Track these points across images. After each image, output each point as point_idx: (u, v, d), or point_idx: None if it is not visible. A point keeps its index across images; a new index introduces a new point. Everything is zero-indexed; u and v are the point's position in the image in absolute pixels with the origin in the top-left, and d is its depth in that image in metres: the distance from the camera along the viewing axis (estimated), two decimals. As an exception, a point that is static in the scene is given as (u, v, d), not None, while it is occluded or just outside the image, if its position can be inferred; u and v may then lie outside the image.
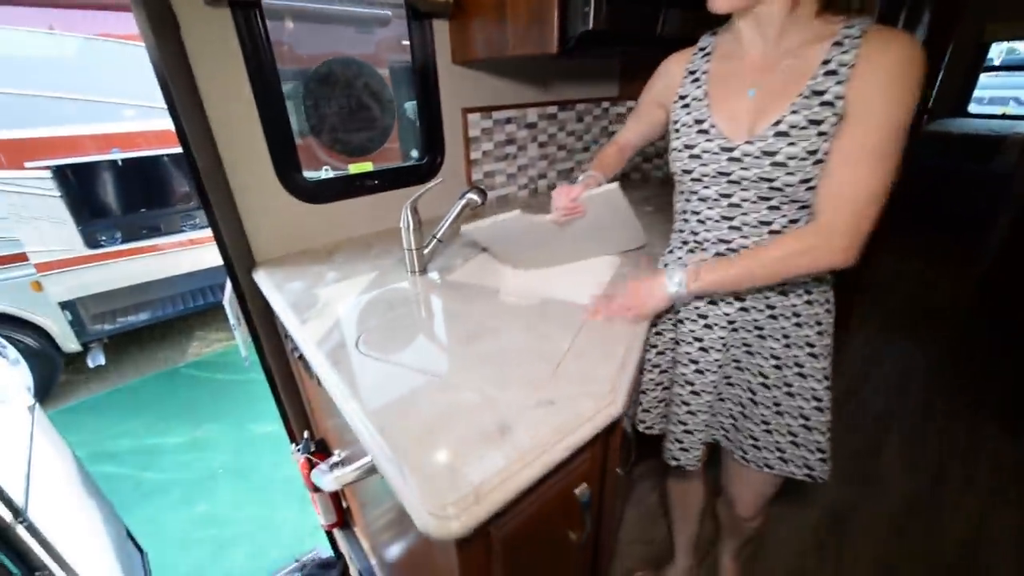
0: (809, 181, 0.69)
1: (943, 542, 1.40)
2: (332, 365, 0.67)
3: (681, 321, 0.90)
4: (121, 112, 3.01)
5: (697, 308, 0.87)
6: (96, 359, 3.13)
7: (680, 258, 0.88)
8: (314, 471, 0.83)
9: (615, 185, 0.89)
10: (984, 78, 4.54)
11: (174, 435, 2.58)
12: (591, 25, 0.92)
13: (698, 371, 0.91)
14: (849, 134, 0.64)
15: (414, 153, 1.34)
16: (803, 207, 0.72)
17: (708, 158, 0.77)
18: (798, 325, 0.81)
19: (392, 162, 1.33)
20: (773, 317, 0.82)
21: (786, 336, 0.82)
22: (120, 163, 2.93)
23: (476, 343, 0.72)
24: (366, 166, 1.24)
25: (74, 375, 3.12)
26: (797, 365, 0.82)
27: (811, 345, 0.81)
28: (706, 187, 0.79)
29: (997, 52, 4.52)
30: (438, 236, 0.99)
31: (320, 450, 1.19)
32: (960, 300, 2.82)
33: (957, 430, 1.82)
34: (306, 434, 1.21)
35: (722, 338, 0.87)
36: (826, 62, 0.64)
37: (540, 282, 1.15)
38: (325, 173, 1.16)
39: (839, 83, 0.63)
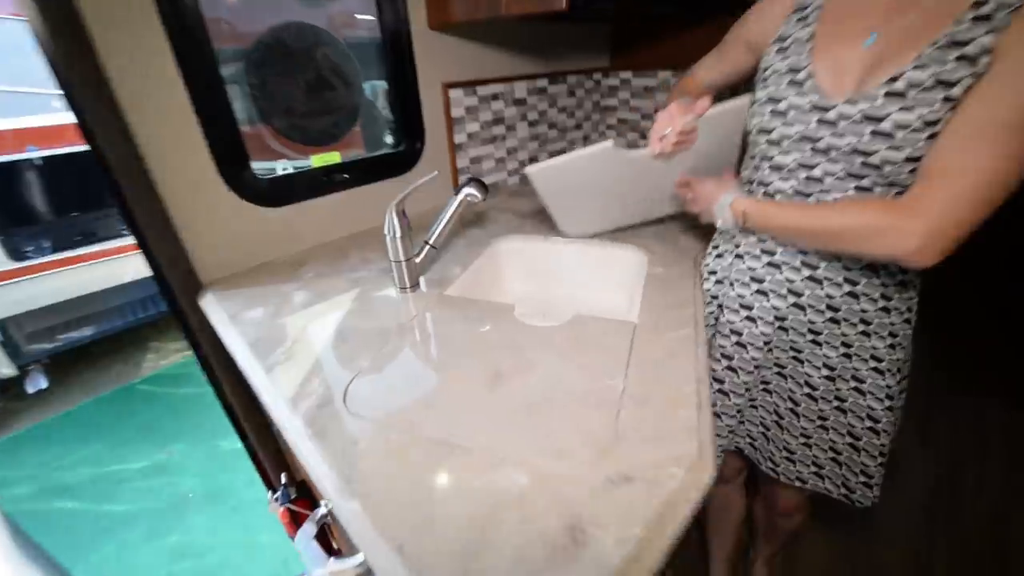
0: (917, 160, 0.53)
1: (971, 528, 1.35)
2: (314, 437, 0.50)
3: (722, 307, 0.78)
4: (49, 103, 2.64)
5: (741, 298, 0.76)
6: (36, 383, 2.81)
7: (736, 243, 0.75)
8: (299, 534, 0.67)
9: (745, 98, 0.71)
10: None
11: (135, 460, 2.33)
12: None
13: (730, 368, 0.78)
14: (983, 96, 0.48)
15: (388, 139, 1.13)
16: (901, 193, 0.57)
17: (794, 117, 0.62)
18: (865, 334, 0.68)
19: (362, 149, 1.12)
20: (835, 321, 0.68)
21: (847, 345, 0.69)
22: (40, 162, 2.56)
23: (503, 386, 0.56)
24: (332, 157, 1.02)
25: (13, 402, 2.79)
26: (855, 379, 0.70)
27: (877, 359, 0.68)
28: (785, 153, 0.64)
29: None
30: (431, 242, 0.81)
31: (302, 495, 1.01)
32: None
33: (969, 404, 1.79)
34: (283, 477, 1.03)
35: (765, 334, 0.74)
36: (978, 3, 0.48)
37: (556, 289, 0.99)
38: (282, 169, 0.95)
39: (990, 32, 0.47)
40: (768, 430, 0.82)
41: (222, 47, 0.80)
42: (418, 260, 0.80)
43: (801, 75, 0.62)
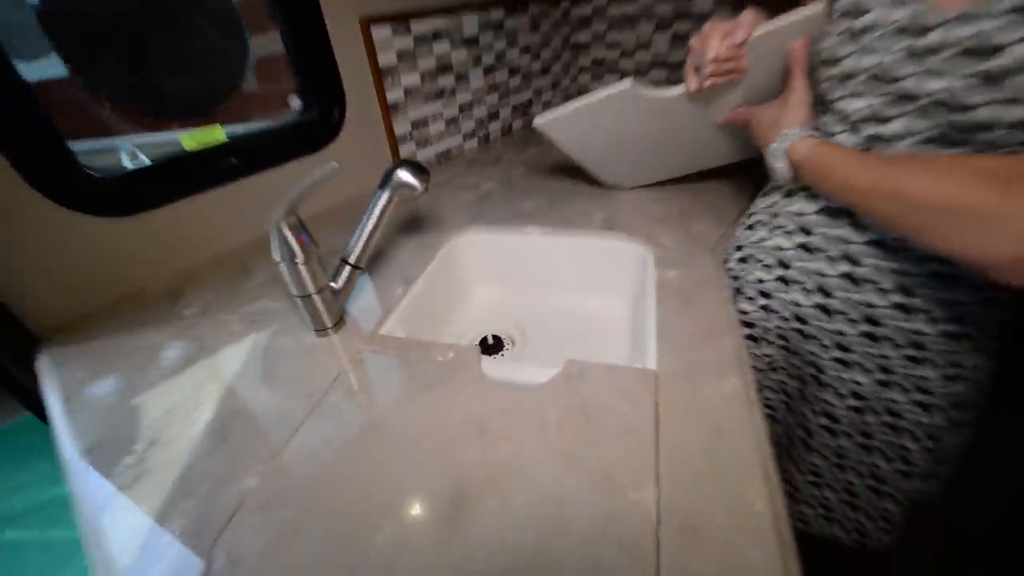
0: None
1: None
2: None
3: (739, 292, 0.63)
4: None
5: (761, 283, 0.60)
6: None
7: (774, 212, 0.57)
8: None
9: (816, 6, 0.49)
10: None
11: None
12: None
13: None
14: None
15: (294, 103, 0.83)
16: None
17: (873, 42, 0.42)
18: (913, 360, 0.50)
19: (258, 115, 0.82)
20: (872, 338, 0.51)
21: (885, 371, 0.52)
22: None
23: (467, 517, 0.35)
24: (212, 134, 0.74)
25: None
26: (890, 413, 0.54)
27: (924, 391, 0.51)
28: (853, 96, 0.45)
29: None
30: (352, 260, 0.56)
31: None
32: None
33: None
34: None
35: (780, 329, 0.59)
36: None
37: (534, 297, 0.78)
38: (130, 159, 0.66)
39: None
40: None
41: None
42: (337, 286, 0.56)
43: None
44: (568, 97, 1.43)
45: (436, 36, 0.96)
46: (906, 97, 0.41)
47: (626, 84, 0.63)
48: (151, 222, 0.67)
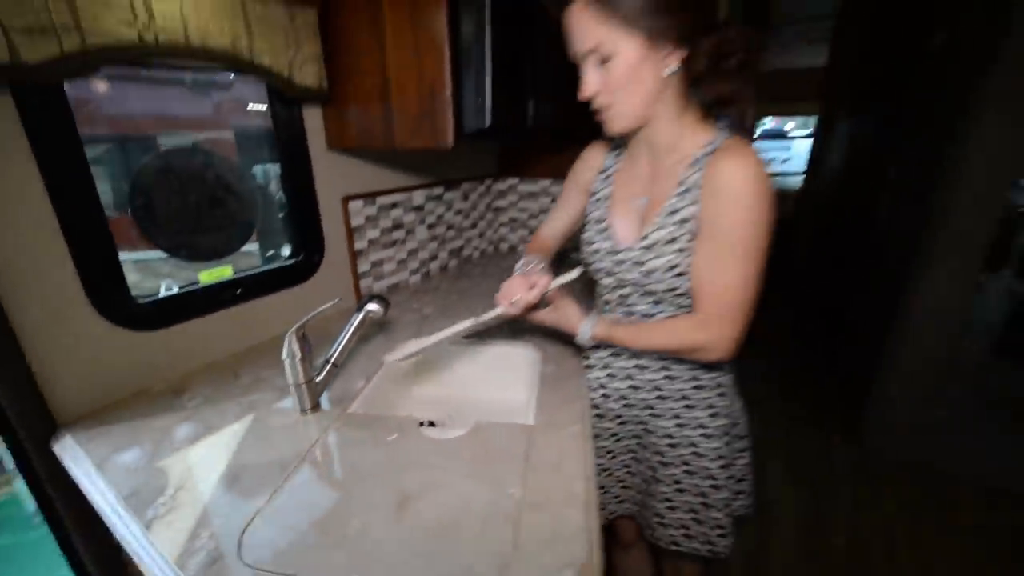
0: (676, 289, 0.72)
1: (835, 553, 1.56)
2: (205, 604, 0.46)
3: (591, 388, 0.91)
4: None
5: (598, 379, 0.90)
6: None
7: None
8: None
9: (577, 270, 0.84)
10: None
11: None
12: (488, 123, 0.89)
13: (595, 439, 0.90)
14: (710, 245, 0.67)
15: (285, 251, 1.14)
16: (682, 306, 0.75)
17: (601, 256, 0.81)
18: (688, 407, 0.83)
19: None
20: (662, 398, 0.84)
21: (677, 417, 0.84)
22: None
23: (410, 510, 0.58)
24: (223, 271, 1.00)
25: None
26: (692, 445, 0.84)
27: (703, 426, 0.83)
28: (603, 278, 0.83)
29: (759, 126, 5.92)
30: (333, 360, 0.82)
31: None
32: (783, 323, 3.42)
33: (817, 445, 2.12)
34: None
35: (613, 410, 0.90)
36: (681, 182, 0.69)
37: (458, 390, 1.04)
38: (166, 289, 0.90)
39: (693, 204, 0.67)
40: (644, 497, 0.92)
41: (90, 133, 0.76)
42: (319, 379, 0.80)
43: (604, 224, 0.81)
44: (491, 243, 1.86)
45: (393, 205, 1.34)
46: (621, 283, 0.79)
47: (467, 322, 0.85)
48: (166, 335, 0.89)
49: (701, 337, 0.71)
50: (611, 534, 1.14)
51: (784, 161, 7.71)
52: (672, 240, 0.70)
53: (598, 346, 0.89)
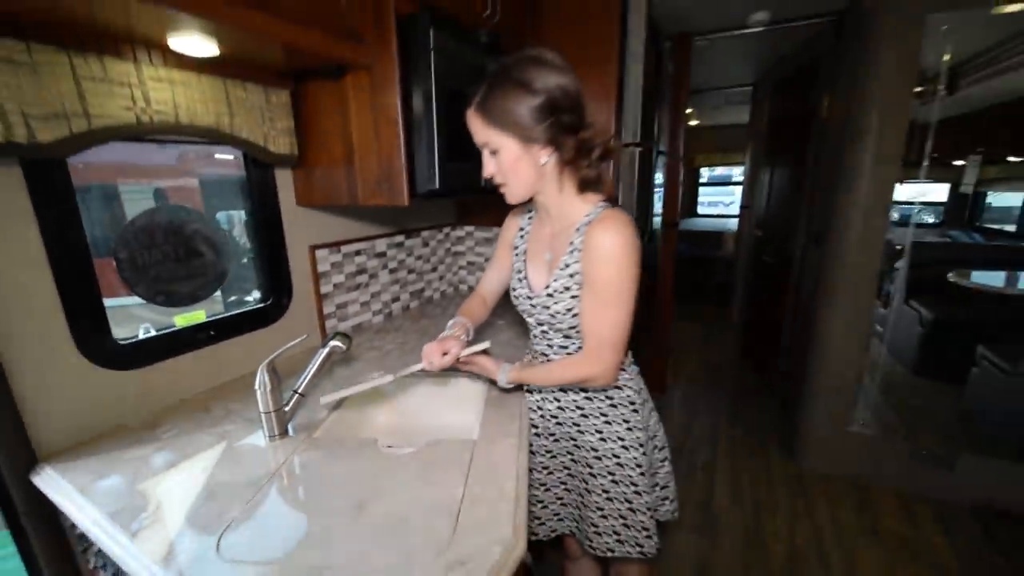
0: (576, 327, 0.90)
1: (774, 559, 1.69)
2: (189, 591, 0.55)
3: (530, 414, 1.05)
4: None
5: (536, 401, 1.05)
6: None
7: (528, 361, 1.06)
8: None
9: (486, 343, 1.02)
10: (702, 191, 6.48)
11: None
12: (437, 186, 1.06)
13: (532, 452, 1.04)
14: (589, 294, 0.85)
15: (254, 295, 1.25)
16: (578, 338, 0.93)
17: (521, 300, 0.98)
18: (608, 423, 0.98)
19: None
20: (584, 416, 0.99)
21: (599, 432, 0.98)
22: None
23: (367, 512, 0.68)
24: (198, 316, 1.10)
25: None
26: (614, 456, 0.98)
27: (621, 438, 0.98)
28: (527, 317, 1.00)
29: (703, 173, 6.48)
30: (300, 390, 0.93)
31: None
32: (730, 353, 3.68)
33: (757, 462, 2.29)
34: None
35: (547, 428, 1.04)
36: (571, 243, 0.87)
37: (414, 418, 1.15)
38: (144, 331, 0.99)
39: (578, 261, 0.86)
40: (580, 510, 1.04)
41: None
42: (287, 408, 0.90)
43: (522, 275, 0.99)
44: (451, 284, 2.01)
45: (358, 253, 1.48)
46: (538, 322, 0.96)
47: (389, 377, 0.98)
48: (143, 374, 0.97)
49: (586, 370, 0.89)
50: (561, 548, 1.24)
51: (729, 204, 8.41)
52: (567, 289, 0.88)
53: None
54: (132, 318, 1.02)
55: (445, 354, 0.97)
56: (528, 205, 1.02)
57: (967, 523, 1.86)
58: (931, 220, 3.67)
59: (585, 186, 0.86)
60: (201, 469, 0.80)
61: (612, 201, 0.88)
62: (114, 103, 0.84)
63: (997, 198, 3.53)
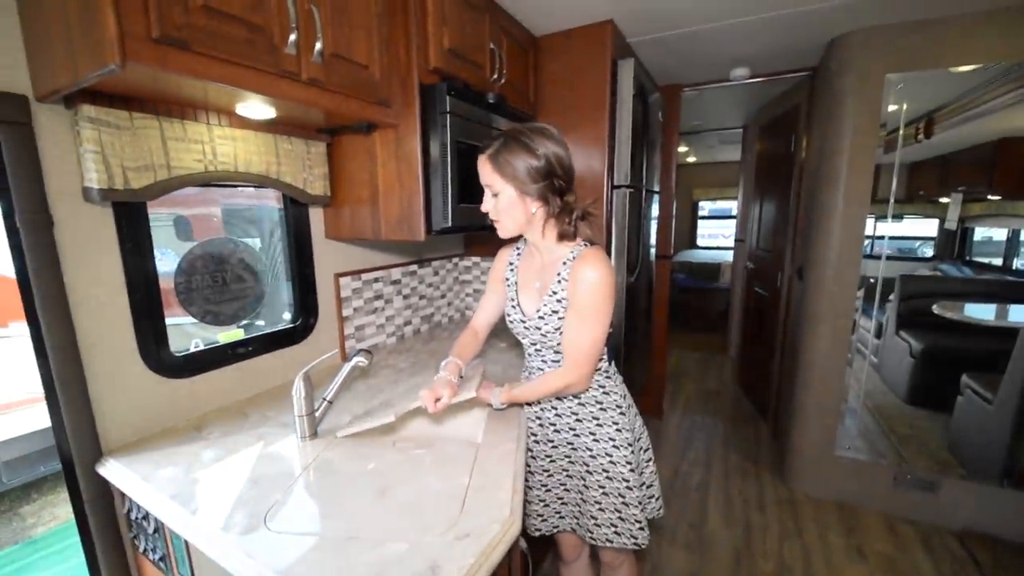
0: (560, 343, 1.05)
1: (760, 584, 1.76)
2: (247, 556, 0.69)
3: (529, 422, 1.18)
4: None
5: (535, 411, 1.17)
6: None
7: (525, 376, 1.19)
8: None
9: (476, 378, 1.13)
10: (701, 223, 6.68)
11: None
12: (450, 223, 1.24)
13: (533, 457, 1.17)
14: (573, 315, 1.00)
15: (286, 316, 1.41)
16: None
17: (516, 324, 1.13)
18: (599, 425, 1.11)
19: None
20: (579, 420, 1.12)
21: (592, 434, 1.12)
22: None
23: (390, 496, 0.82)
24: (237, 333, 1.26)
25: None
26: (607, 454, 1.11)
27: (612, 439, 1.11)
28: (521, 339, 1.15)
29: (704, 206, 6.71)
30: (328, 398, 1.07)
31: None
32: (727, 380, 3.77)
33: (749, 484, 2.36)
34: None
35: (546, 434, 1.17)
36: (558, 274, 1.03)
37: (427, 426, 1.28)
38: (194, 346, 1.15)
39: (564, 288, 1.02)
40: (579, 506, 1.15)
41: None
42: (318, 413, 1.04)
43: (515, 302, 1.14)
44: (458, 310, 2.17)
45: (376, 280, 1.65)
46: (535, 343, 1.10)
47: (391, 417, 1.02)
48: (192, 383, 1.12)
49: (565, 379, 1.03)
50: (557, 552, 1.34)
51: (728, 236, 8.63)
52: (555, 312, 1.03)
53: None
54: (184, 335, 1.18)
55: (438, 400, 1.05)
56: (515, 242, 1.18)
57: (951, 545, 1.93)
58: (931, 254, 3.83)
59: (562, 237, 1.04)
60: (244, 463, 0.94)
61: (591, 241, 1.05)
62: (189, 156, 1.02)
63: (982, 232, 3.70)
